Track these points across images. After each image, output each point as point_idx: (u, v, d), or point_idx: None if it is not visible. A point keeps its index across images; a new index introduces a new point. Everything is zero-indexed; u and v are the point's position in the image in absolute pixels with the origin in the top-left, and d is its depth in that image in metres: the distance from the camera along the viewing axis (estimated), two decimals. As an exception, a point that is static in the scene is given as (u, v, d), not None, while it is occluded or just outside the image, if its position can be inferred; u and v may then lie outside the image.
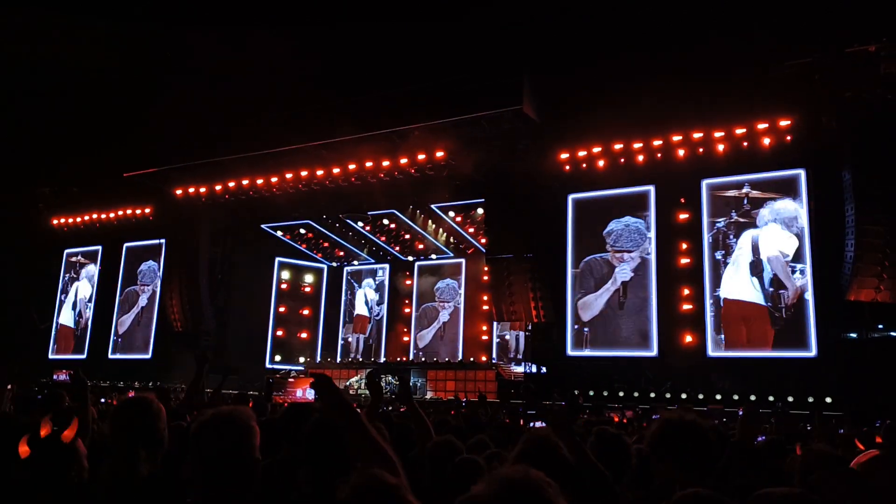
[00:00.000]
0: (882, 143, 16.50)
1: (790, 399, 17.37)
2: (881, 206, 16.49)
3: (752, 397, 17.88)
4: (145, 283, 29.93)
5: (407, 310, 31.44)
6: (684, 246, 20.18)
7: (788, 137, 18.59)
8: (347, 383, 25.73)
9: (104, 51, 23.34)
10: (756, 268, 19.21)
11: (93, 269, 31.73)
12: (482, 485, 1.38)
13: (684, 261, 20.14)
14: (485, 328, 29.00)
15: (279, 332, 31.56)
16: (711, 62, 18.20)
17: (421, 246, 30.54)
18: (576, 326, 21.08)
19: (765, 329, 18.83)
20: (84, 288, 31.95)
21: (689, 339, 19.56)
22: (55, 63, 23.98)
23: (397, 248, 31.01)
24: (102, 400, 15.15)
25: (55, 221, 31.39)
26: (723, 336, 19.29)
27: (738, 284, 19.34)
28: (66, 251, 32.56)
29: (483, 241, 25.75)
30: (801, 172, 19.05)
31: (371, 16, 22.16)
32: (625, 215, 21.06)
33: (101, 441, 3.53)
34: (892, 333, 17.72)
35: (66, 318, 32.04)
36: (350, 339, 32.59)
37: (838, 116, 17.67)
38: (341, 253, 32.71)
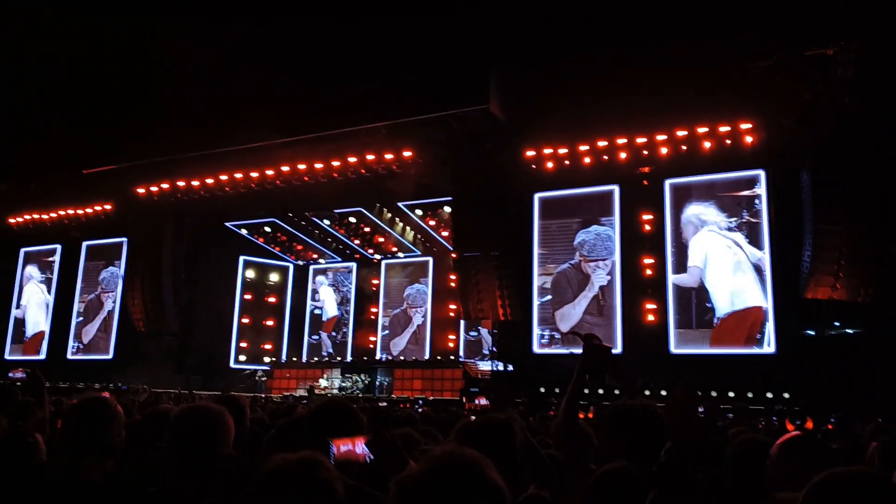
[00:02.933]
0: (840, 145, 16.91)
1: (749, 395, 17.73)
2: (838, 207, 16.89)
3: (714, 393, 18.23)
4: (109, 289, 29.44)
5: (374, 308, 31.36)
6: (648, 245, 20.53)
7: (749, 139, 18.96)
8: (317, 383, 25.57)
9: (63, 43, 22.84)
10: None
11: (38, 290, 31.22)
12: (418, 464, 1.40)
13: (648, 261, 20.47)
14: (452, 326, 29.07)
15: (243, 332, 31.23)
16: (673, 64, 18.45)
17: (386, 243, 30.49)
18: (554, 333, 21.21)
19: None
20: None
21: (652, 336, 19.86)
22: (11, 55, 23.40)
23: (364, 247, 30.91)
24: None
25: (11, 220, 30.64)
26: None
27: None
28: (24, 250, 31.87)
29: (449, 238, 25.80)
30: (762, 173, 19.48)
31: (337, 11, 22.03)
32: (590, 223, 21.33)
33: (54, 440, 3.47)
34: (849, 331, 18.19)
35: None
36: (316, 339, 32.39)
37: (797, 118, 18.08)
38: (307, 251, 32.50)
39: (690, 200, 20.25)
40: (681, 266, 20.05)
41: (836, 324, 18.30)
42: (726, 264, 19.54)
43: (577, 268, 21.30)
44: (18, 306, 31.61)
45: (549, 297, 21.45)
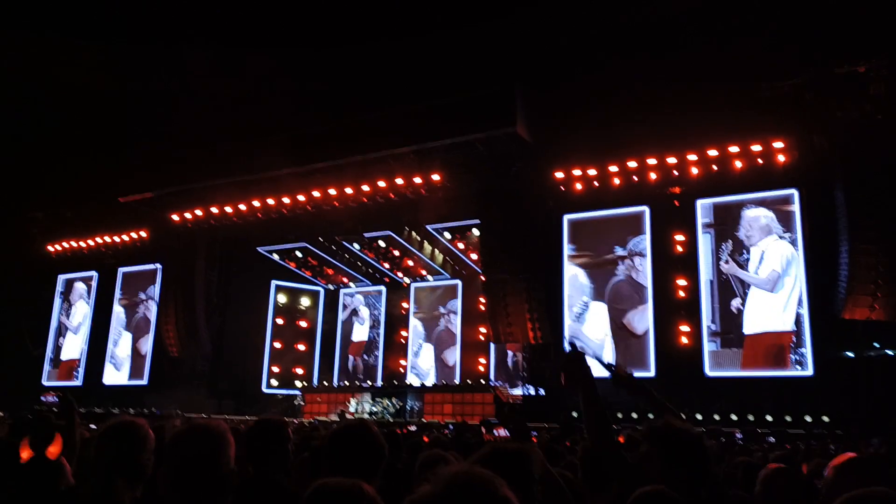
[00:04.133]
0: (873, 162, 16.63)
1: (788, 419, 17.34)
2: (873, 225, 16.59)
3: (751, 417, 17.86)
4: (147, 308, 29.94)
5: (404, 332, 31.33)
6: (681, 266, 20.29)
7: (781, 157, 18.73)
8: (351, 407, 25.57)
9: (98, 73, 23.46)
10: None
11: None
12: (429, 484, 1.38)
13: (681, 282, 20.22)
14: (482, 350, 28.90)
15: (275, 357, 31.40)
16: (703, 83, 18.36)
17: (415, 266, 30.54)
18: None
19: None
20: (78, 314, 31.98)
21: (686, 359, 19.55)
22: (48, 85, 24.06)
23: (393, 270, 31.00)
24: (94, 426, 15.04)
25: (50, 248, 31.35)
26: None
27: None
28: (61, 276, 32.53)
29: (478, 261, 25.77)
30: (795, 192, 19.20)
31: (364, 38, 22.38)
32: (624, 235, 21.23)
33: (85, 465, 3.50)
34: (889, 352, 17.72)
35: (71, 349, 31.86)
36: (349, 363, 32.43)
37: (829, 137, 17.84)
38: (338, 276, 32.69)
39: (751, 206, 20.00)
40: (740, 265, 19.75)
41: (876, 345, 17.85)
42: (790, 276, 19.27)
43: (629, 278, 21.11)
44: (63, 329, 32.21)
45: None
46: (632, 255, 21.10)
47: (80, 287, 32.23)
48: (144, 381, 28.68)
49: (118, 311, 30.59)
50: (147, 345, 29.36)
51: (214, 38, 22.20)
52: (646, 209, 20.98)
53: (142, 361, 29.27)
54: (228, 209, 25.36)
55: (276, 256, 30.56)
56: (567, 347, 3.08)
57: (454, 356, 29.63)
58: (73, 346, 31.66)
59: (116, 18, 22.05)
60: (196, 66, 22.86)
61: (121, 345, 30.12)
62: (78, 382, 30.18)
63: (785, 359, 18.52)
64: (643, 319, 20.70)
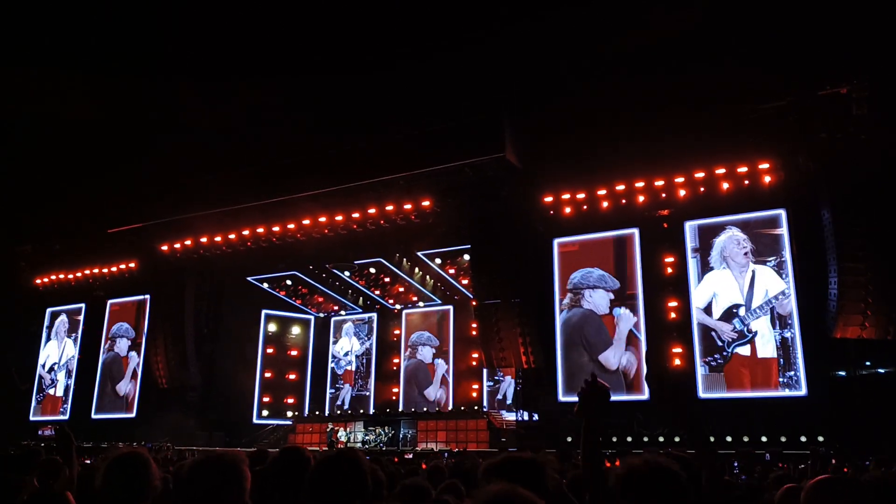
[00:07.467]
0: (858, 182, 16.82)
1: (783, 439, 17.31)
2: (861, 244, 16.72)
3: (746, 438, 17.82)
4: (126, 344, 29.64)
5: (396, 359, 31.18)
6: (671, 287, 20.33)
7: (768, 179, 18.93)
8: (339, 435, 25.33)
9: (86, 106, 23.49)
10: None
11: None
12: (474, 499, 1.42)
13: (672, 303, 20.25)
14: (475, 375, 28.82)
15: (266, 387, 31.12)
16: (688, 106, 18.60)
17: (406, 293, 30.47)
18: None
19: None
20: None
21: (679, 381, 19.51)
22: (36, 118, 24.06)
23: (384, 297, 30.92)
24: (89, 461, 14.80)
25: (38, 280, 31.07)
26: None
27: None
28: (49, 310, 32.20)
29: (468, 286, 25.76)
30: (782, 213, 19.34)
31: (353, 67, 22.60)
32: (596, 265, 21.36)
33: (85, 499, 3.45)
34: (881, 370, 17.78)
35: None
36: (337, 392, 32.17)
37: (814, 157, 18.05)
38: (328, 303, 32.56)
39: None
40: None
41: (867, 363, 17.91)
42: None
43: (587, 311, 21.18)
44: (51, 363, 31.83)
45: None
46: (577, 291, 21.23)
47: (67, 320, 31.91)
48: (133, 415, 28.31)
49: (104, 351, 30.26)
50: (126, 386, 29.05)
51: (203, 70, 22.31)
52: (635, 231, 21.07)
53: (123, 401, 28.88)
54: (217, 239, 25.27)
55: (265, 285, 30.43)
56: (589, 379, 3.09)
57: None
58: (60, 380, 31.25)
59: (104, 52, 22.16)
60: (184, 96, 22.94)
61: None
62: (65, 416, 29.75)
63: (772, 380, 18.56)
64: (611, 361, 20.53)
